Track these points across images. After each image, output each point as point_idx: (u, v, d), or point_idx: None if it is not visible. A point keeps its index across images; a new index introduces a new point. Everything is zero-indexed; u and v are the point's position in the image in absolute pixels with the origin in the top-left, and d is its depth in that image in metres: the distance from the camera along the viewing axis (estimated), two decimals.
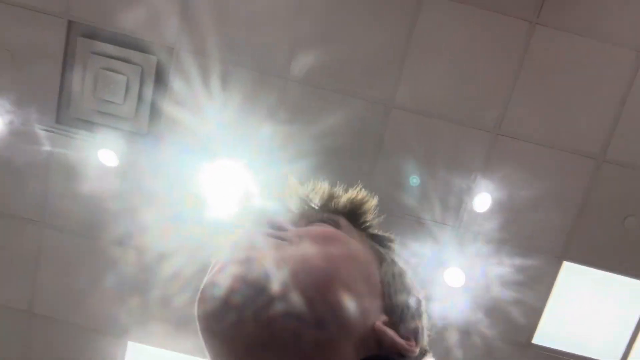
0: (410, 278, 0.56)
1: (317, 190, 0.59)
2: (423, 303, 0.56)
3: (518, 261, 2.65)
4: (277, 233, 0.50)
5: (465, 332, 2.61)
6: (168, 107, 2.31)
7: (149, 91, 2.27)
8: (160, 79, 2.28)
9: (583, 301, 2.78)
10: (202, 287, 0.45)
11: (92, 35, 2.31)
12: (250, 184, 2.31)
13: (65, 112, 2.35)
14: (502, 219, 2.57)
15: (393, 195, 2.40)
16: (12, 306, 2.78)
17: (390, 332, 0.48)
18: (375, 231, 0.59)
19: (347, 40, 2.33)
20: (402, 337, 0.49)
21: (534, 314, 2.73)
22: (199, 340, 0.47)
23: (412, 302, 0.53)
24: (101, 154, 2.33)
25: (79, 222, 2.56)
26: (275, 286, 0.43)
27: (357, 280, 0.48)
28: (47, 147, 2.36)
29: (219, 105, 2.23)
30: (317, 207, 0.58)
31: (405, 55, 2.34)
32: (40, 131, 2.32)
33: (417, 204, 2.43)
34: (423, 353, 0.53)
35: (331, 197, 0.59)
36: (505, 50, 2.37)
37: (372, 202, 0.60)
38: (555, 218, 2.58)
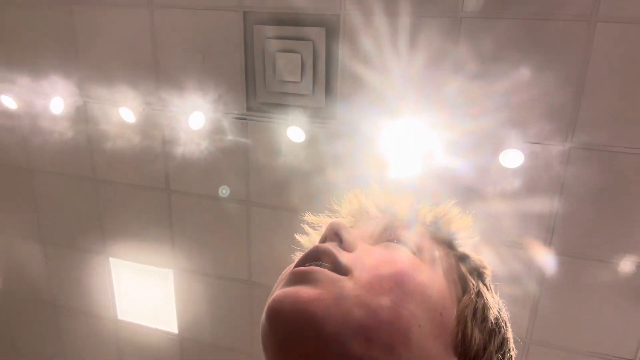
0: (499, 313, 0.50)
1: (403, 202, 0.55)
2: (510, 342, 0.51)
3: None
4: (339, 260, 0.46)
5: None
6: (342, 78, 2.30)
7: (322, 64, 2.30)
8: (330, 49, 2.29)
9: None
10: (268, 305, 0.44)
11: (264, 21, 2.33)
12: (434, 144, 2.25)
13: (253, 99, 2.46)
14: None
15: (606, 128, 2.06)
16: (235, 278, 2.97)
17: None
18: (466, 253, 0.54)
19: None
20: None
21: None
22: None
23: (492, 343, 0.48)
24: (290, 131, 2.35)
25: (277, 197, 2.67)
26: (324, 327, 0.41)
27: (423, 323, 0.44)
28: (242, 133, 2.53)
29: (390, 64, 2.17)
30: (399, 221, 0.53)
31: None
32: (235, 119, 2.50)
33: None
34: None
35: (417, 211, 0.54)
36: None
37: (465, 221, 0.54)
38: None
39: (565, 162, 2.16)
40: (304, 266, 0.46)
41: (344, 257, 0.46)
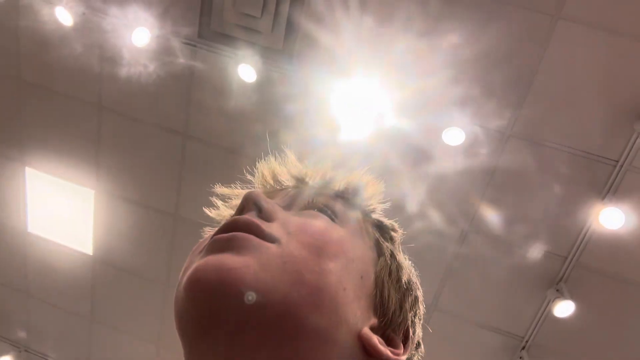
0: (410, 273, 0.52)
1: (317, 170, 0.54)
2: (420, 301, 0.53)
3: None
4: (263, 228, 0.44)
5: (614, 277, 2.36)
6: (304, 24, 2.19)
7: (286, 5, 2.18)
8: None
9: None
10: (189, 275, 0.41)
11: None
12: (385, 103, 2.22)
13: (206, 26, 2.30)
14: None
15: (547, 121, 2.14)
16: (161, 209, 2.89)
17: (375, 341, 0.44)
18: (379, 218, 0.55)
19: None
20: (390, 341, 0.47)
21: None
22: None
23: (406, 301, 0.50)
24: (241, 69, 2.23)
25: (219, 135, 2.55)
26: (252, 295, 0.39)
27: (348, 286, 0.44)
28: (189, 60, 2.36)
29: (355, 21, 2.10)
30: (314, 189, 0.53)
31: None
32: (183, 44, 2.32)
33: (577, 133, 2.13)
34: (416, 347, 0.51)
35: (331, 178, 0.54)
36: None
37: (377, 187, 0.55)
38: None
39: (502, 149, 2.25)
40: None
41: (266, 227, 0.45)
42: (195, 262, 0.43)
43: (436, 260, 2.51)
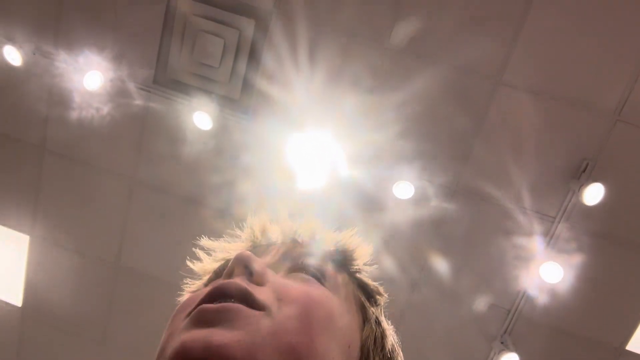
0: (393, 341, 0.52)
1: (307, 228, 0.54)
2: None
3: (622, 262, 2.35)
4: (255, 295, 0.43)
5: (555, 329, 2.47)
6: (261, 76, 2.25)
7: (244, 57, 2.24)
8: (256, 45, 2.24)
9: None
10: (175, 348, 0.39)
11: None
12: (338, 155, 2.28)
13: (162, 73, 2.31)
14: (614, 215, 2.26)
15: (489, 179, 2.27)
16: (101, 257, 2.75)
17: None
18: (365, 280, 0.55)
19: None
20: None
21: (633, 320, 2.44)
22: None
23: None
24: (196, 116, 2.23)
25: (169, 182, 2.50)
26: None
27: (335, 356, 0.44)
28: (143, 106, 2.35)
29: (311, 75, 2.18)
30: (304, 249, 0.52)
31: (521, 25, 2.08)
32: (137, 89, 2.31)
33: (516, 191, 2.27)
34: None
35: (322, 238, 0.54)
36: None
37: (367, 249, 0.56)
38: None
39: (449, 200, 2.33)
40: (213, 303, 0.42)
41: (258, 293, 0.43)
42: (180, 330, 0.41)
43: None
